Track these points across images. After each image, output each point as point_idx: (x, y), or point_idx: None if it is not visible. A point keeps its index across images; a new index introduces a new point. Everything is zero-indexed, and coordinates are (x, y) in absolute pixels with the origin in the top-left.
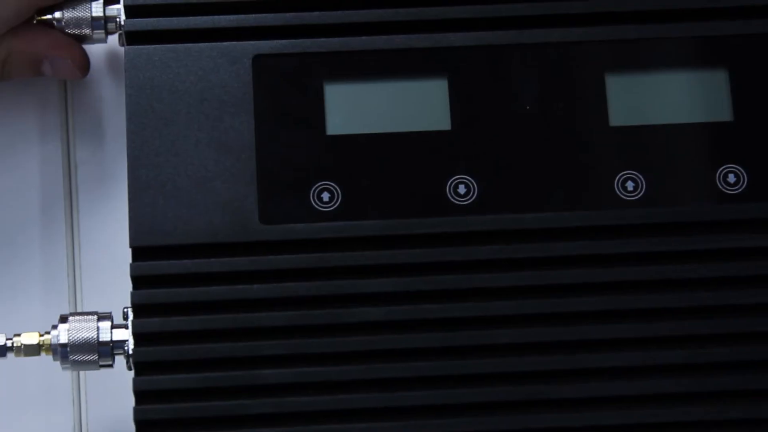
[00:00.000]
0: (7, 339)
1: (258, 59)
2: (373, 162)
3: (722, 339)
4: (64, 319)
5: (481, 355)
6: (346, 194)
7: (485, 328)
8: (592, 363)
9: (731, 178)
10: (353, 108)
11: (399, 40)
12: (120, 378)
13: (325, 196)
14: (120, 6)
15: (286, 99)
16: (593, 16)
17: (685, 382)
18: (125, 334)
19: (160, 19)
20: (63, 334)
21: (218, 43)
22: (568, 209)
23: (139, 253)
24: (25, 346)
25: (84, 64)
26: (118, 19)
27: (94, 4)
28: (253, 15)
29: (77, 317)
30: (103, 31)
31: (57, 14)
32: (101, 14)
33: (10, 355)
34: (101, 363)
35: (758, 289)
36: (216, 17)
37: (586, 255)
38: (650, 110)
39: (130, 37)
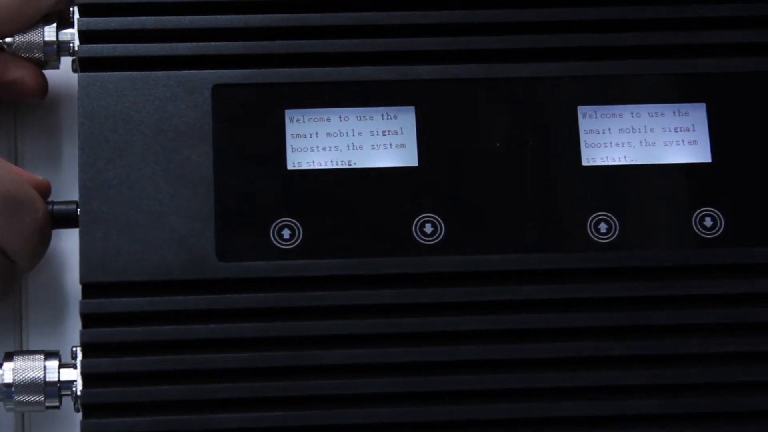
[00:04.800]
0: None
1: (218, 89)
2: (336, 198)
3: (698, 388)
4: (9, 357)
5: (445, 401)
6: (308, 231)
7: (450, 373)
8: (562, 411)
9: (708, 222)
10: (316, 142)
11: (365, 72)
12: (67, 420)
13: (286, 233)
14: (74, 31)
15: (246, 131)
16: (567, 51)
17: None
18: (73, 374)
19: (116, 45)
20: (8, 373)
21: (176, 72)
22: (538, 251)
23: (89, 289)
24: None
25: (41, 86)
26: (71, 44)
27: (46, 28)
28: (214, 43)
29: (23, 356)
30: (56, 56)
31: (8, 38)
32: (54, 39)
33: None
34: (48, 404)
35: (733, 337)
36: (174, 45)
37: (555, 299)
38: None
39: (84, 64)
